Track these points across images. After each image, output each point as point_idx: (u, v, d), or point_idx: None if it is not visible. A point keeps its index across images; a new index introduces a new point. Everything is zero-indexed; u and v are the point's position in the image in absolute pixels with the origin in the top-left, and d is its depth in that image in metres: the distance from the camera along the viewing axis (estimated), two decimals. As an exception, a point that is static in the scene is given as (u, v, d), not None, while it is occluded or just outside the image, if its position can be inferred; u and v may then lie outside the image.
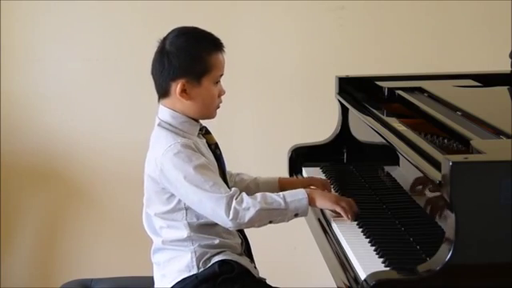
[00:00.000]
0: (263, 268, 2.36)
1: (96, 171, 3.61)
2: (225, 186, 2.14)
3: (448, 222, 1.72)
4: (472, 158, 1.76)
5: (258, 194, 2.14)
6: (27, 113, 3.59)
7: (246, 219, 2.10)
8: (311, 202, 2.16)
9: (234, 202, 2.09)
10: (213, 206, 2.10)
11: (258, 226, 2.15)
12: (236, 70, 3.49)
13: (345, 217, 2.17)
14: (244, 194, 2.12)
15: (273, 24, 3.54)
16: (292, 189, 2.20)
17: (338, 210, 2.17)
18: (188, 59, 2.18)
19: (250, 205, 2.09)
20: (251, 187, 2.37)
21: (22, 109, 3.59)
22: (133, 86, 3.47)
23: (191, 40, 2.20)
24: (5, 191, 3.61)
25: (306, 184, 2.37)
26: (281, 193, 2.16)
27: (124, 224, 3.55)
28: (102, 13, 3.52)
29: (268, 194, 2.15)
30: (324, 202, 2.18)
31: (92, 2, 3.50)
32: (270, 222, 2.15)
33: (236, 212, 2.09)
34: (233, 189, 2.13)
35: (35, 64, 3.55)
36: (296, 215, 2.16)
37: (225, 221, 2.10)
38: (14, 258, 3.68)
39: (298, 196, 2.15)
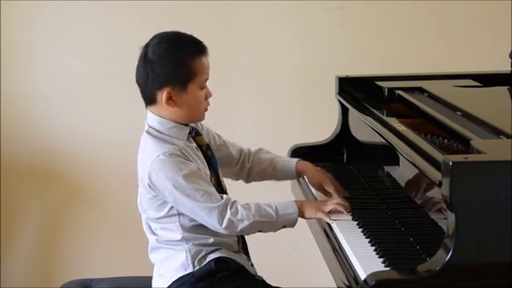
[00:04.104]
0: (263, 267, 2.37)
1: (96, 171, 3.61)
2: (216, 194, 2.15)
3: (448, 222, 1.72)
4: (472, 157, 1.76)
5: (252, 205, 2.16)
6: (27, 113, 3.59)
7: (239, 229, 2.14)
8: (301, 214, 2.20)
9: (228, 212, 2.12)
10: (205, 215, 2.12)
11: (247, 235, 2.23)
12: (236, 70, 3.51)
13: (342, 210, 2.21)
14: (238, 204, 2.15)
15: (273, 24, 3.54)
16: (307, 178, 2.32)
17: (323, 215, 2.20)
18: (171, 67, 2.15)
19: (244, 217, 2.13)
20: (268, 171, 2.40)
21: (22, 109, 3.58)
22: (133, 86, 3.45)
23: (173, 47, 2.17)
24: (5, 191, 3.61)
25: (321, 174, 2.40)
26: (273, 204, 2.18)
27: (124, 224, 3.54)
28: (101, 13, 3.52)
29: (262, 205, 2.17)
30: (312, 213, 2.21)
31: (92, 2, 3.49)
32: (259, 231, 2.19)
33: (230, 222, 2.12)
34: (224, 197, 2.15)
35: (35, 64, 3.55)
36: (284, 227, 2.20)
37: (217, 229, 2.14)
38: (14, 258, 3.67)
39: (289, 210, 2.18)
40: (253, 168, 2.42)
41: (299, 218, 2.21)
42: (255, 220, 2.13)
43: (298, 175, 2.45)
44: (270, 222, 2.16)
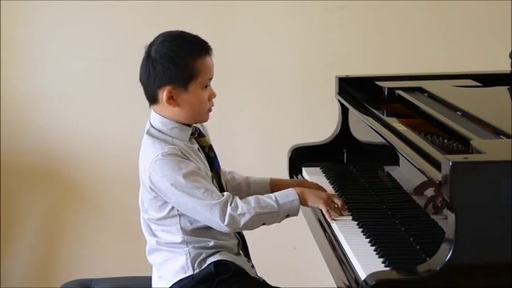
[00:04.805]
0: (263, 268, 2.36)
1: (96, 171, 3.61)
2: (217, 191, 2.14)
3: (448, 222, 1.72)
4: (472, 157, 1.76)
5: (251, 198, 2.15)
6: (27, 113, 3.59)
7: (241, 224, 2.12)
8: (303, 202, 2.18)
9: (228, 208, 2.10)
10: (207, 213, 2.11)
11: (252, 229, 2.18)
12: (236, 70, 3.51)
13: (337, 214, 2.20)
14: (237, 199, 2.13)
15: (272, 24, 3.54)
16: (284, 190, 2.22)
17: (326, 209, 2.19)
18: (172, 66, 2.15)
19: (245, 210, 2.11)
20: (242, 186, 2.37)
21: (21, 109, 3.59)
22: (133, 86, 3.45)
23: (175, 46, 2.16)
24: (5, 191, 3.61)
25: (298, 185, 2.35)
26: (272, 194, 2.17)
27: (124, 224, 3.55)
28: (101, 13, 3.52)
29: (261, 197, 2.16)
30: (315, 201, 2.20)
31: (92, 2, 3.50)
32: (263, 224, 2.17)
33: (232, 218, 2.10)
34: (225, 194, 2.14)
35: (35, 64, 3.55)
36: (287, 216, 2.18)
37: (220, 226, 2.12)
38: (14, 258, 3.68)
39: (289, 197, 2.17)
40: (227, 184, 2.36)
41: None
42: (256, 212, 2.12)
43: (272, 189, 2.36)
44: (271, 213, 2.14)
